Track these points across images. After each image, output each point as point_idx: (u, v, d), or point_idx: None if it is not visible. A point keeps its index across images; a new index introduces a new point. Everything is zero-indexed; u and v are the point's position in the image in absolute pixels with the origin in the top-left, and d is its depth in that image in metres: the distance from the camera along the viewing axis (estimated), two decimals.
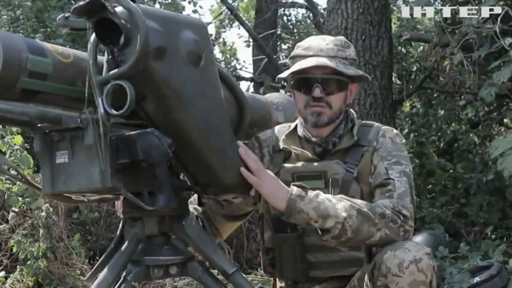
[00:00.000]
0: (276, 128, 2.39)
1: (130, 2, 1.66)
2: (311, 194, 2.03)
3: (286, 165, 2.27)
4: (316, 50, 2.22)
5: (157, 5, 8.69)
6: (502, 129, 7.58)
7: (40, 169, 1.79)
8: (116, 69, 1.66)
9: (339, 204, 2.01)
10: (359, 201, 2.06)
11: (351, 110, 2.37)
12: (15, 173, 1.95)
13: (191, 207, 2.20)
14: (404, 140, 2.30)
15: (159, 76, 1.70)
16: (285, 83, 2.37)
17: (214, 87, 1.89)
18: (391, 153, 2.20)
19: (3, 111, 1.56)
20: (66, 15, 1.69)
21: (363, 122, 2.35)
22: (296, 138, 2.31)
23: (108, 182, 1.69)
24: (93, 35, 1.70)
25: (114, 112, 1.65)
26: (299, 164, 2.26)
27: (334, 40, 2.27)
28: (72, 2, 6.73)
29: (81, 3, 1.60)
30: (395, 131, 2.30)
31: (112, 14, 1.63)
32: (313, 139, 2.27)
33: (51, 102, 1.68)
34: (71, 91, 1.68)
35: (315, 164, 2.24)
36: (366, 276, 2.06)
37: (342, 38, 2.32)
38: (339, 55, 2.22)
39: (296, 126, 2.33)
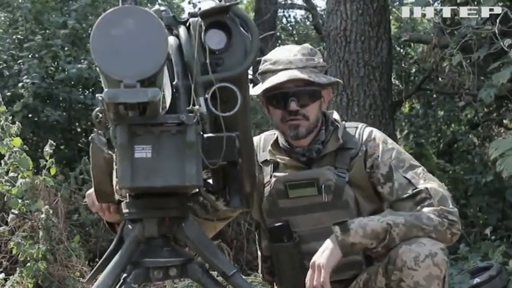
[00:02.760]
0: (262, 136, 2.39)
1: (244, 12, 1.73)
2: (353, 225, 2.03)
3: (277, 174, 2.26)
4: (285, 63, 2.19)
5: (156, 6, 8.68)
6: (502, 130, 7.58)
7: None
8: (225, 72, 1.73)
9: (383, 218, 2.04)
10: (404, 213, 2.08)
11: (330, 112, 2.34)
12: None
13: None
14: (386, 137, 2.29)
15: (246, 81, 1.80)
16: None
17: None
18: (399, 158, 2.19)
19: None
20: (162, 8, 1.75)
21: (347, 123, 2.33)
22: (280, 148, 2.30)
23: (201, 181, 1.70)
24: (200, 35, 1.75)
25: (218, 113, 1.71)
26: (290, 172, 2.25)
27: (301, 49, 2.24)
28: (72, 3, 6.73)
29: (214, 6, 1.70)
30: (378, 131, 2.29)
31: (230, 19, 1.70)
32: (296, 149, 2.26)
33: None
34: None
35: (306, 171, 2.24)
36: (380, 270, 2.06)
37: (307, 45, 2.30)
38: (309, 64, 2.20)
39: (277, 136, 2.32)
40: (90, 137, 1.76)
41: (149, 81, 1.52)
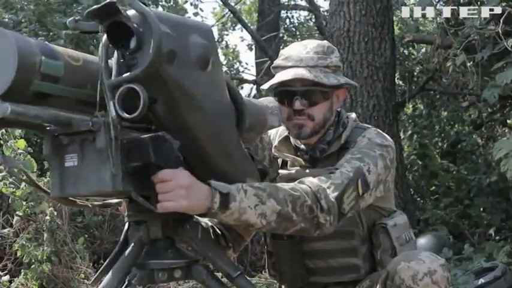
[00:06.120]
0: (281, 128, 2.34)
1: (144, 6, 1.66)
2: (234, 204, 1.80)
3: (281, 171, 2.26)
4: (296, 60, 2.15)
5: (160, 8, 8.70)
6: (506, 131, 7.58)
7: (48, 172, 1.79)
8: (129, 73, 1.66)
9: (263, 207, 1.85)
10: (285, 195, 1.89)
11: (348, 114, 2.30)
12: (22, 176, 1.93)
13: (206, 220, 2.17)
14: (388, 142, 2.18)
15: (170, 79, 1.69)
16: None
17: (221, 91, 1.88)
18: (361, 149, 2.12)
19: (17, 114, 1.55)
20: (76, 18, 1.70)
21: (360, 124, 2.29)
22: (290, 145, 2.28)
23: (120, 186, 1.68)
24: (105, 38, 1.70)
25: (126, 115, 1.65)
26: (293, 170, 2.24)
27: (316, 47, 2.19)
28: (74, 5, 6.74)
29: (96, 6, 1.62)
30: (381, 133, 2.22)
31: (125, 17, 1.64)
32: (302, 147, 2.24)
33: (61, 106, 1.67)
34: (80, 94, 1.68)
35: (308, 170, 2.20)
36: (379, 286, 2.04)
37: (325, 43, 2.25)
38: (320, 64, 2.14)
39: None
40: None
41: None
